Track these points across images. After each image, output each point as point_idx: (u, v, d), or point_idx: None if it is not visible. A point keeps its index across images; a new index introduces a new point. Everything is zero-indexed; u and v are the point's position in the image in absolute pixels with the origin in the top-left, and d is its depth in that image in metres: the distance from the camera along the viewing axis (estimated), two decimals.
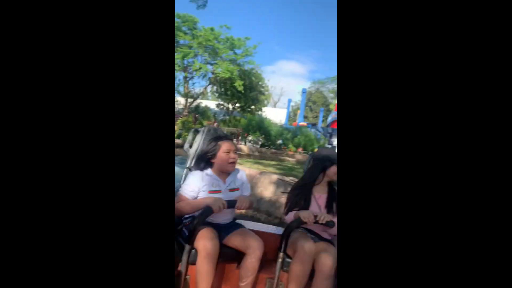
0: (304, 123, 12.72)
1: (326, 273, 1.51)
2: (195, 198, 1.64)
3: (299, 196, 1.81)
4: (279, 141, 10.62)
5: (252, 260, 1.56)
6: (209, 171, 1.74)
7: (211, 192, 1.66)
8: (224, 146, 1.72)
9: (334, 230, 1.74)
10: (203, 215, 1.47)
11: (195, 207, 1.57)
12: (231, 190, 1.73)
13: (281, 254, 1.69)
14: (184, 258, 1.49)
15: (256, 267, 1.56)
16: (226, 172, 1.75)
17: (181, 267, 1.50)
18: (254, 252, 1.57)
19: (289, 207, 1.81)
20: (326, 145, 12.46)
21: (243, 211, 1.82)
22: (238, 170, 1.85)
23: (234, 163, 1.73)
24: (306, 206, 1.76)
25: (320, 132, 12.73)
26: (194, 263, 1.47)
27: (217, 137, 1.79)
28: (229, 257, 1.60)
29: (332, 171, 1.82)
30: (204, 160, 1.77)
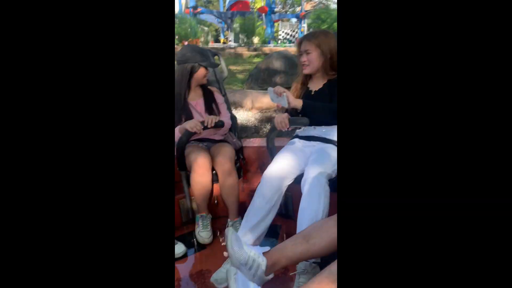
0: (198, 8, 11.03)
1: (226, 171, 1.52)
2: None
3: (176, 112, 1.65)
4: None
5: None
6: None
7: None
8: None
9: (225, 129, 1.68)
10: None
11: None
12: None
13: (182, 174, 1.65)
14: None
15: None
16: None
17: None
18: None
19: None
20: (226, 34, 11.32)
21: None
22: None
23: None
24: (187, 118, 1.62)
25: (216, 16, 11.44)
26: None
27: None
28: None
29: (200, 74, 1.64)
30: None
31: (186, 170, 1.62)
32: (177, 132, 1.58)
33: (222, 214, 1.77)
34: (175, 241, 1.52)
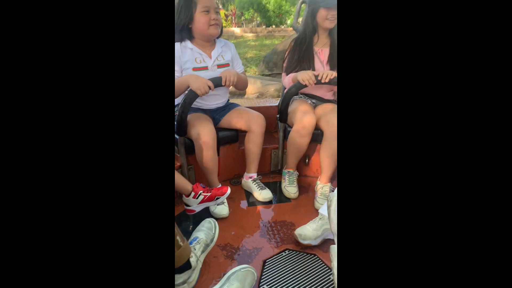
0: None
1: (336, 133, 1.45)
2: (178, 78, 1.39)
3: (297, 54, 1.57)
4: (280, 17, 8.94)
5: (255, 137, 1.51)
6: (188, 43, 1.42)
7: (195, 69, 1.41)
8: (201, 2, 1.35)
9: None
10: (187, 102, 1.32)
11: (178, 89, 1.34)
12: (220, 66, 1.47)
13: (281, 125, 1.64)
14: (181, 150, 1.46)
15: (261, 143, 1.54)
16: (209, 41, 1.45)
17: (181, 159, 1.50)
18: (256, 129, 1.50)
19: (287, 69, 1.61)
20: None
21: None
22: (225, 42, 1.55)
23: (217, 25, 1.39)
24: (308, 65, 1.56)
25: None
26: (192, 153, 1.45)
27: None
28: (229, 139, 1.57)
29: (321, 15, 1.50)
30: (181, 30, 1.40)
31: (286, 122, 1.61)
32: (290, 81, 1.54)
33: (309, 174, 1.76)
34: (263, 186, 1.56)
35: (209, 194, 1.30)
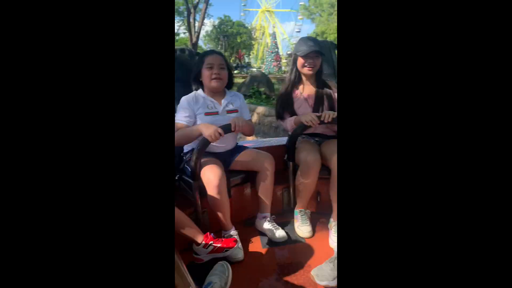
0: None
1: None
2: (193, 123, 1.52)
3: (286, 99, 1.70)
4: None
5: (266, 176, 1.54)
6: (200, 91, 1.60)
7: (207, 114, 1.55)
8: (207, 60, 1.55)
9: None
10: (200, 148, 1.40)
11: (191, 136, 1.46)
12: (229, 111, 1.60)
13: (290, 164, 1.68)
14: (195, 194, 1.50)
15: (272, 182, 1.57)
16: (215, 91, 1.60)
17: (195, 204, 1.52)
18: (266, 168, 1.54)
19: (279, 113, 1.72)
20: None
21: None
22: (234, 93, 1.72)
23: (217, 79, 1.55)
24: (292, 110, 1.68)
25: None
26: (206, 197, 1.48)
27: (204, 52, 1.62)
28: (241, 180, 1.60)
29: (300, 63, 1.66)
30: (193, 82, 1.63)
31: (294, 161, 1.65)
32: (292, 123, 1.61)
33: (322, 210, 1.76)
34: (277, 226, 1.56)
35: (218, 245, 1.33)
